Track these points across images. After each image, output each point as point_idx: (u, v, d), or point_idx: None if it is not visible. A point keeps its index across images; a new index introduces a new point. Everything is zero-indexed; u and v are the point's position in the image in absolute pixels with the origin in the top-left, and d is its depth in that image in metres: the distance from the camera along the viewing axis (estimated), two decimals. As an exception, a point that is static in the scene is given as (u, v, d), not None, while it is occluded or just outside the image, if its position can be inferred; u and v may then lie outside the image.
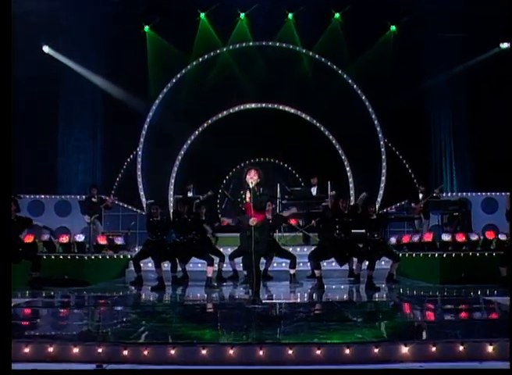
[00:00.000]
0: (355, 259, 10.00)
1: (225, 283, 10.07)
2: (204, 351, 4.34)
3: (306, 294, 8.29)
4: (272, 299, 7.50)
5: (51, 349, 4.44)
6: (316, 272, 8.43)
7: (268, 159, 16.15)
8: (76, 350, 4.42)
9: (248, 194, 6.41)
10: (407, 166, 15.40)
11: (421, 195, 12.73)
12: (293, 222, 13.92)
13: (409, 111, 14.28)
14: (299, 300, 7.61)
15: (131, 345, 4.43)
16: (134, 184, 15.30)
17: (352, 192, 15.04)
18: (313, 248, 9.38)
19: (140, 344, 4.49)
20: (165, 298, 7.99)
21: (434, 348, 4.36)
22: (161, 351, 4.37)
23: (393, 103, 14.13)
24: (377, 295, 7.94)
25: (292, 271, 9.38)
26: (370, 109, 15.25)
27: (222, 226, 14.53)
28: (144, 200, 14.84)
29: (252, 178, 6.42)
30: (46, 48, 14.86)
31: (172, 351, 4.36)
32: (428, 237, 10.85)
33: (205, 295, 8.02)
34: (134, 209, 14.95)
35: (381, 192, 14.90)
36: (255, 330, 5.05)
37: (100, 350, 4.40)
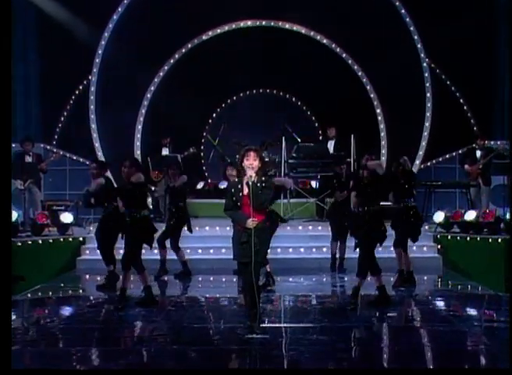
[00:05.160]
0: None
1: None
2: None
3: (318, 310, 8.05)
4: (274, 322, 7.24)
5: None
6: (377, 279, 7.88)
7: (270, 91, 15.87)
8: None
9: (246, 189, 6.27)
10: (461, 100, 15.07)
11: (478, 153, 12.34)
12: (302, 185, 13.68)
13: (470, 33, 13.69)
14: (310, 323, 7.24)
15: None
16: (85, 129, 14.85)
17: (383, 143, 14.76)
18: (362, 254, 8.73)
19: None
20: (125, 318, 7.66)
21: None
22: None
23: (448, 24, 13.52)
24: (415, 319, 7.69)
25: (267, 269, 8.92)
26: (412, 28, 14.70)
27: (206, 190, 14.43)
28: (100, 153, 14.44)
29: (252, 164, 6.28)
30: None
31: None
32: (489, 215, 10.78)
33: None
34: (87, 162, 14.54)
35: (423, 144, 14.60)
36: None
37: None
